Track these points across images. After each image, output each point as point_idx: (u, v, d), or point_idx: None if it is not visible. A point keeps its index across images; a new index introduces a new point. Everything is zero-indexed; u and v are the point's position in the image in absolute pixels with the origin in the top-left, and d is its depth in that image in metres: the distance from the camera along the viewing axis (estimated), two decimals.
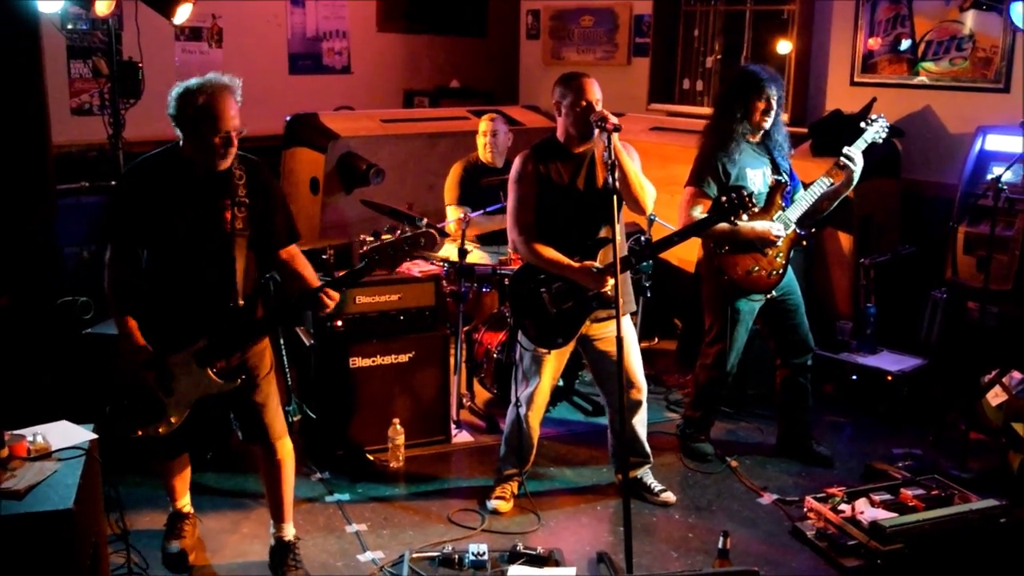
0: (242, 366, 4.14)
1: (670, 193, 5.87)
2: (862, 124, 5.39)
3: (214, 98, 3.88)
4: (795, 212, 5.28)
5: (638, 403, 5.03)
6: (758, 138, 5.30)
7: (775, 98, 5.19)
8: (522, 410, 5.01)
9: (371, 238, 4.07)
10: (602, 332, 4.87)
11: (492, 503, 5.07)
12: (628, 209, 4.74)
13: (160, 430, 4.07)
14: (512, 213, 4.83)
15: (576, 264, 4.67)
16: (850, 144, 5.27)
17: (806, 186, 5.34)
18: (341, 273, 4.23)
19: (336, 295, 4.09)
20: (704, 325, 5.63)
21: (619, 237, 4.40)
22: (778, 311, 5.45)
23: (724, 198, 4.63)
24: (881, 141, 5.43)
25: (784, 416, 5.76)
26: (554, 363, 4.96)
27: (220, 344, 4.04)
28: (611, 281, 4.59)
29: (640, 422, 5.12)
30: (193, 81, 3.93)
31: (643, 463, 5.23)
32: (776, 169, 5.31)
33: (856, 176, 5.24)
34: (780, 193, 5.27)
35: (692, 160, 5.38)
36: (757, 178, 5.24)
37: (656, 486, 5.20)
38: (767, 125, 5.24)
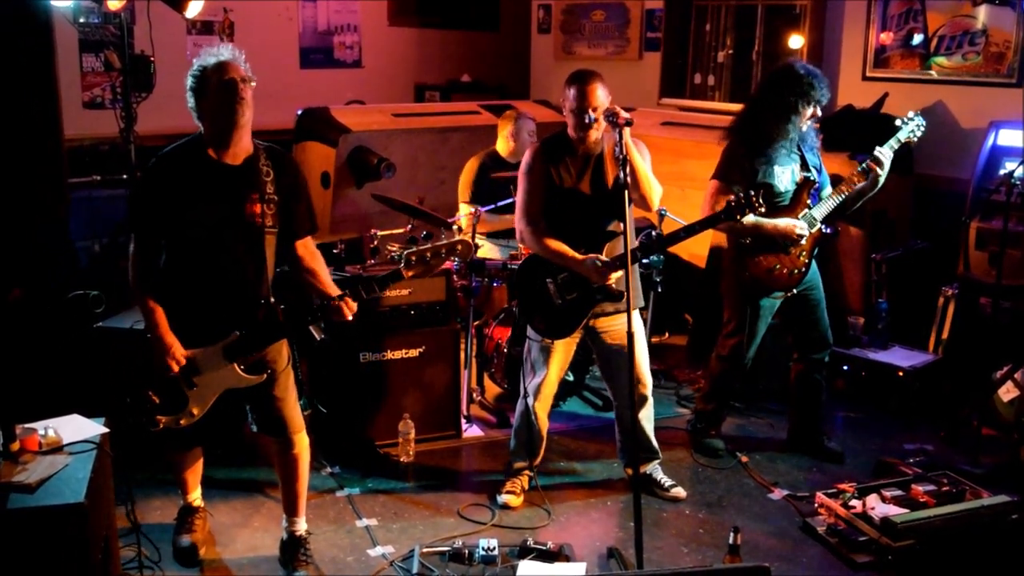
0: (263, 361, 4.15)
1: (680, 188, 5.88)
2: (897, 122, 5.32)
3: (216, 64, 3.96)
4: (821, 210, 5.22)
5: (643, 398, 5.03)
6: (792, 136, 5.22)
7: (823, 100, 5.14)
8: (530, 400, 5.03)
9: (407, 242, 4.08)
10: (610, 325, 4.88)
11: (502, 498, 5.07)
12: (635, 205, 4.74)
13: (181, 422, 4.09)
14: (520, 204, 4.86)
15: (580, 256, 4.68)
16: (880, 142, 5.21)
17: (835, 183, 5.30)
18: (361, 271, 4.21)
19: (354, 305, 4.11)
20: (722, 317, 5.59)
21: (629, 232, 4.40)
22: (800, 305, 5.42)
23: (732, 198, 4.62)
24: (915, 140, 5.34)
25: (796, 411, 5.75)
26: (561, 354, 4.96)
27: (251, 338, 4.05)
28: (615, 275, 4.60)
29: (646, 418, 5.11)
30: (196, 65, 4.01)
31: (651, 458, 5.23)
32: (805, 166, 5.26)
33: (883, 178, 5.18)
34: (807, 191, 5.21)
35: (704, 155, 5.38)
36: (785, 176, 5.19)
37: (666, 481, 5.20)
38: (806, 127, 5.20)
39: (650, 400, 5.08)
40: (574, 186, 4.76)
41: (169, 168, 4.02)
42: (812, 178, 5.23)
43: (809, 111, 5.12)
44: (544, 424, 5.13)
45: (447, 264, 5.79)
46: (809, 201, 5.22)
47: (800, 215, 5.18)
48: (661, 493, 5.16)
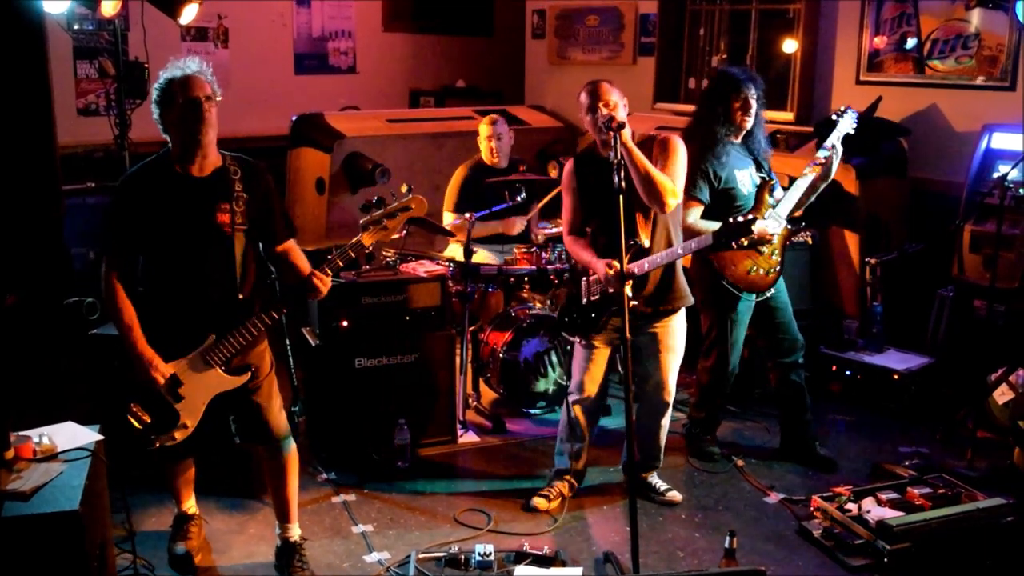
0: (245, 365, 4.15)
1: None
2: (833, 116, 5.43)
3: (182, 79, 3.96)
4: (784, 208, 5.26)
5: (665, 405, 5.06)
6: (740, 139, 5.32)
7: (753, 97, 5.21)
8: (570, 398, 5.11)
9: (362, 213, 4.12)
10: (651, 327, 4.92)
11: (533, 500, 5.10)
12: (652, 207, 4.71)
13: (176, 436, 4.09)
14: (563, 215, 5.04)
15: (596, 261, 4.74)
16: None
17: (789, 183, 5.35)
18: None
19: (327, 278, 4.10)
20: (701, 328, 5.62)
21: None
22: (765, 311, 5.45)
23: (722, 225, 4.61)
24: (852, 132, 5.40)
25: (785, 417, 5.74)
26: (598, 356, 4.99)
27: (226, 340, 4.05)
28: (628, 283, 4.61)
29: (665, 425, 5.15)
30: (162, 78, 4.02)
31: (652, 466, 5.24)
32: (759, 168, 5.35)
33: (835, 168, 5.27)
34: (767, 191, 5.28)
35: None
36: (745, 179, 5.28)
37: (662, 486, 5.20)
38: (748, 124, 5.26)
39: (670, 409, 5.11)
40: (601, 193, 4.75)
41: (138, 187, 4.04)
42: (770, 179, 5.32)
43: (737, 104, 5.20)
44: (585, 427, 5.14)
45: (441, 267, 5.80)
46: (771, 201, 5.27)
47: (765, 215, 5.21)
48: (657, 497, 5.17)
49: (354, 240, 4.13)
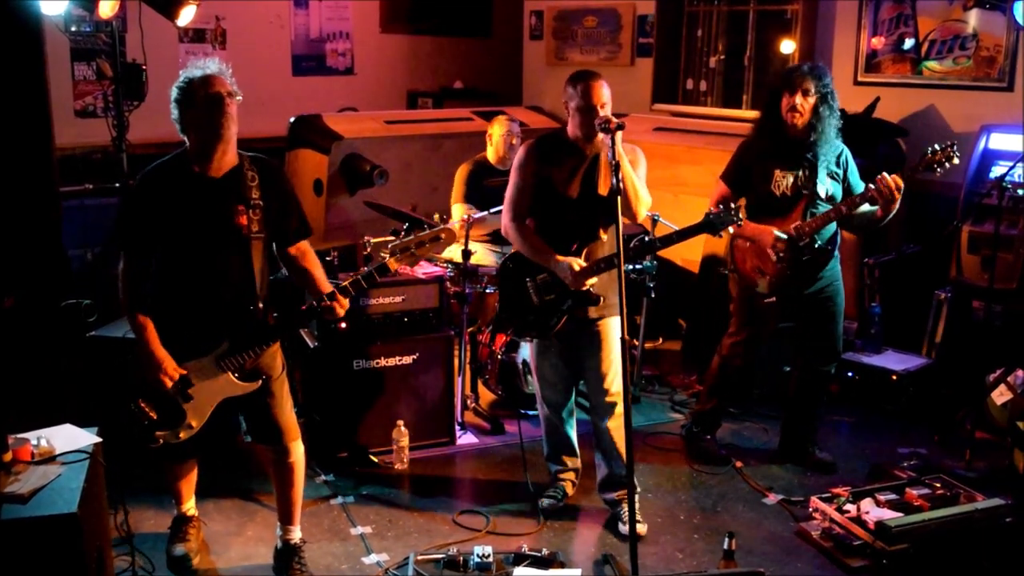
0: (257, 368, 4.15)
1: (674, 194, 5.88)
2: (929, 151, 5.03)
3: (203, 78, 3.96)
4: (813, 225, 5.09)
5: (611, 406, 4.87)
6: (795, 135, 5.12)
7: (811, 94, 5.03)
8: (538, 406, 5.13)
9: (390, 236, 4.09)
10: (590, 329, 4.85)
11: (545, 503, 5.09)
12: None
13: (180, 435, 4.09)
14: (508, 198, 4.86)
15: (559, 258, 4.66)
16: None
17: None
18: (352, 275, 4.19)
19: (346, 302, 4.10)
20: (717, 319, 5.60)
21: (620, 238, 4.39)
22: (814, 313, 5.38)
23: (713, 210, 4.61)
24: (940, 171, 5.07)
25: (789, 418, 5.73)
26: (556, 354, 4.95)
27: (240, 347, 4.05)
28: (590, 280, 4.61)
29: (614, 427, 4.89)
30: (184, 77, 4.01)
31: (620, 480, 4.97)
32: (814, 177, 5.13)
33: (896, 206, 5.03)
34: (804, 203, 5.12)
35: (696, 160, 5.42)
36: (783, 181, 5.15)
37: (624, 513, 4.90)
38: (797, 122, 5.06)
39: (618, 410, 4.86)
40: (564, 186, 4.74)
41: (154, 185, 4.03)
42: (812, 192, 5.12)
43: (785, 101, 5.05)
44: (566, 429, 5.16)
45: (435, 254, 5.80)
46: (806, 214, 5.12)
47: (793, 226, 5.11)
48: (621, 526, 4.92)
49: (379, 263, 4.10)
